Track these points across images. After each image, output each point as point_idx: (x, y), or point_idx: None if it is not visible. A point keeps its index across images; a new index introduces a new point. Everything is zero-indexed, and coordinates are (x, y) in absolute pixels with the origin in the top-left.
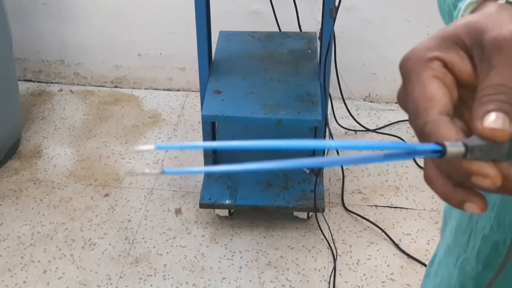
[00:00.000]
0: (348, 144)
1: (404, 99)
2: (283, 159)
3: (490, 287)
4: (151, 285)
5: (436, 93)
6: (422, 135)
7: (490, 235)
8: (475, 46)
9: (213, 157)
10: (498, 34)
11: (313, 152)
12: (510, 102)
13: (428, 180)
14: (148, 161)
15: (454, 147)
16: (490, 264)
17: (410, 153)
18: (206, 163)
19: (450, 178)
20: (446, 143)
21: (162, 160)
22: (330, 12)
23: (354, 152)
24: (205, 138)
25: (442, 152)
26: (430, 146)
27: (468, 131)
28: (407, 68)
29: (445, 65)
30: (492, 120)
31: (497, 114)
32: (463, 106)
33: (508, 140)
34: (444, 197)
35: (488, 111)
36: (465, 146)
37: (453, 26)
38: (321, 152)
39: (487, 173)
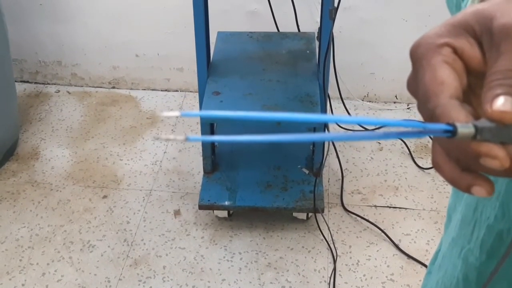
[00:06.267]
0: (357, 120)
1: (414, 85)
2: (282, 161)
3: (494, 275)
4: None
5: (447, 78)
6: (432, 118)
7: (495, 224)
8: (484, 33)
9: (212, 158)
10: (507, 22)
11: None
12: None
13: (436, 165)
14: (146, 162)
15: (465, 128)
16: (494, 254)
17: (422, 132)
18: (205, 164)
19: (458, 162)
20: (457, 124)
21: (161, 161)
22: (330, 13)
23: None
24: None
25: (453, 132)
26: (442, 126)
27: (477, 117)
28: (417, 54)
29: (455, 51)
30: (501, 103)
31: (506, 97)
32: (472, 93)
33: None
34: (452, 181)
35: (497, 95)
36: (475, 127)
37: (463, 14)
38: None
39: (496, 154)
